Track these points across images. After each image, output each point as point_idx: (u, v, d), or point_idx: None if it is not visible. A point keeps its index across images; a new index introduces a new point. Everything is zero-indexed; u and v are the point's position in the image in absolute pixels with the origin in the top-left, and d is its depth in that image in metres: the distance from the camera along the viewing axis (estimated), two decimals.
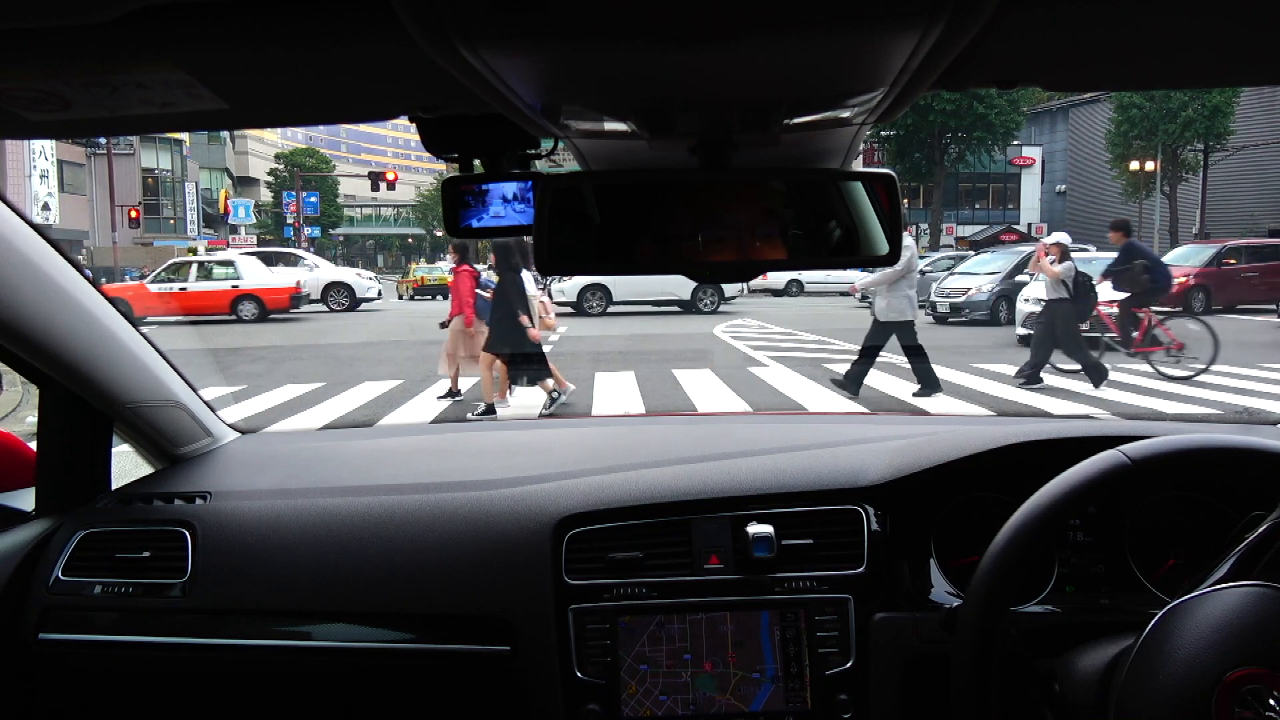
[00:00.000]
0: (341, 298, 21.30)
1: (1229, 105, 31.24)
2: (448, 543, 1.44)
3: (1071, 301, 8.30)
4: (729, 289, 19.56)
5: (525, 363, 7.92)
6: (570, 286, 18.80)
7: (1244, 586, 0.97)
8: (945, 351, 12.65)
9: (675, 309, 19.15)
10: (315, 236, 44.33)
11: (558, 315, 10.02)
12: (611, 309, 18.74)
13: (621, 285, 18.57)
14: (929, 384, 8.05)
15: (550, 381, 7.94)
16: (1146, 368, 9.93)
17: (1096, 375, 8.54)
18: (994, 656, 1.03)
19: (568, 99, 0.86)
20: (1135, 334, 9.25)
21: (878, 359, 8.20)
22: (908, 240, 7.75)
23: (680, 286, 18.87)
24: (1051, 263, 8.50)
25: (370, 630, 1.42)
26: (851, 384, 8.04)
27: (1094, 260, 15.23)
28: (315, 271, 22.02)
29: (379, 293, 23.04)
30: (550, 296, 10.24)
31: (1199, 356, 8.54)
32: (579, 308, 18.55)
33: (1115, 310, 9.29)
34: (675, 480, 1.49)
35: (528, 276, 7.96)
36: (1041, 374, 8.78)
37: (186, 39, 0.73)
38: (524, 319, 7.59)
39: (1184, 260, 19.60)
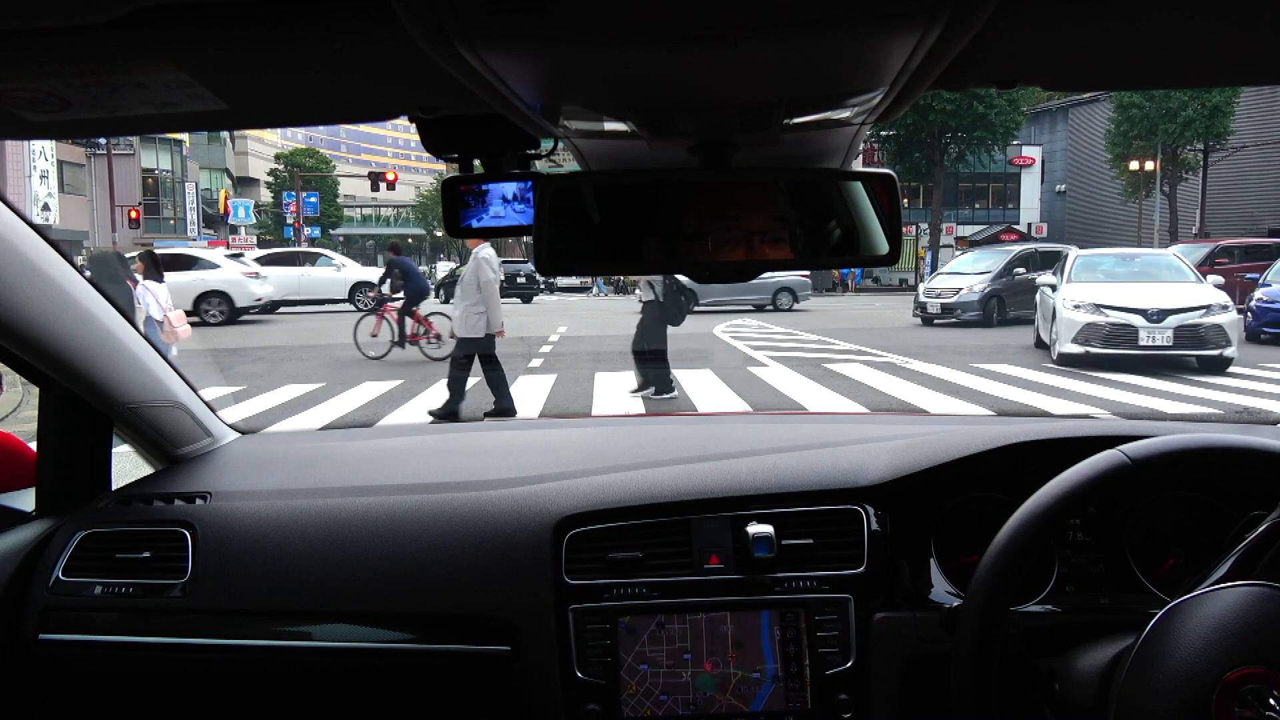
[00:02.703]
0: (368, 297, 21.25)
1: (1229, 105, 31.21)
2: (448, 543, 1.44)
3: (659, 304, 8.50)
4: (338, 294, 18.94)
5: None
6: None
7: (1244, 586, 0.97)
8: (945, 351, 12.66)
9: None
10: (315, 237, 44.30)
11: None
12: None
13: (243, 294, 17.91)
14: (502, 396, 7.74)
15: None
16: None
17: (661, 384, 8.59)
18: (994, 656, 1.03)
19: (567, 99, 0.86)
20: (409, 329, 11.93)
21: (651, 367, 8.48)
22: (484, 252, 7.46)
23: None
24: None
25: (370, 630, 1.42)
26: (448, 405, 7.69)
27: (1105, 258, 14.44)
28: (343, 271, 22.09)
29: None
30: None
31: (448, 342, 10.80)
32: (199, 316, 17.68)
33: (398, 311, 11.98)
34: (675, 480, 1.49)
35: (155, 289, 7.87)
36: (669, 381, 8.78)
37: (186, 39, 0.73)
38: None
39: None
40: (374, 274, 23.25)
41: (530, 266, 28.38)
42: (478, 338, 7.49)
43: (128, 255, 8.72)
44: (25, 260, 1.32)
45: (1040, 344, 12.74)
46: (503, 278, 7.59)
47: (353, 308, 20.59)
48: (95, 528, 1.53)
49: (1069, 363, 11.00)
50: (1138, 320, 10.64)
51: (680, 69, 0.75)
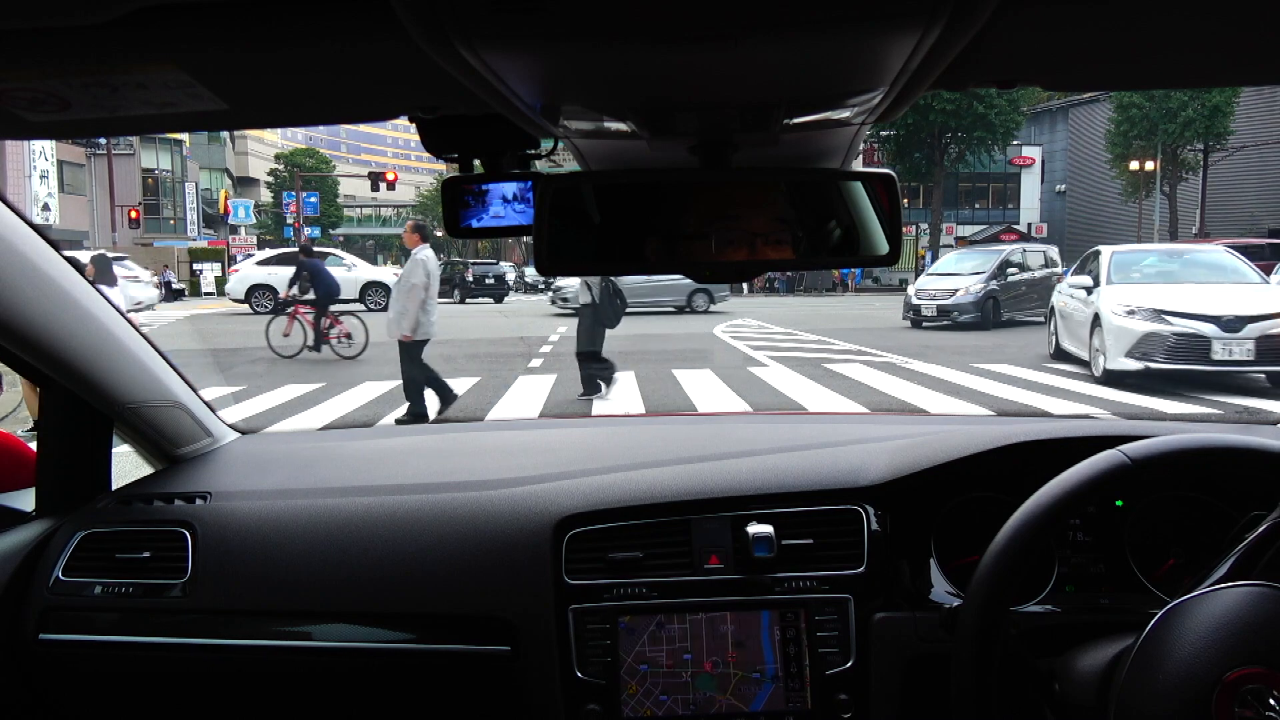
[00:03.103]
0: (379, 297, 21.16)
1: (1229, 105, 31.20)
2: (448, 543, 1.44)
3: (595, 307, 8.53)
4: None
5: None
6: None
7: (1244, 586, 0.97)
8: (945, 352, 12.67)
9: None
10: (315, 237, 44.27)
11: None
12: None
13: (120, 297, 17.85)
14: (442, 394, 7.78)
15: None
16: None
17: (591, 387, 8.60)
18: (994, 656, 1.03)
19: (567, 99, 0.86)
20: (324, 328, 12.33)
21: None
22: (422, 254, 7.45)
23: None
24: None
25: (370, 630, 1.42)
26: (412, 409, 7.74)
27: (1147, 255, 11.32)
28: (354, 271, 22.10)
29: None
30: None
31: (359, 342, 12.17)
32: None
33: (312, 312, 12.45)
34: (675, 480, 1.49)
35: (107, 294, 7.90)
36: (600, 381, 8.76)
37: (186, 39, 0.73)
38: None
39: None
40: (384, 274, 23.57)
41: (501, 268, 29.08)
42: (415, 340, 7.54)
43: (80, 259, 8.86)
44: (25, 260, 1.32)
45: (1061, 354, 11.01)
46: (436, 280, 7.53)
47: (364, 307, 20.62)
48: (95, 528, 1.53)
49: (1121, 380, 8.95)
50: (1210, 329, 8.44)
51: (680, 69, 0.75)
